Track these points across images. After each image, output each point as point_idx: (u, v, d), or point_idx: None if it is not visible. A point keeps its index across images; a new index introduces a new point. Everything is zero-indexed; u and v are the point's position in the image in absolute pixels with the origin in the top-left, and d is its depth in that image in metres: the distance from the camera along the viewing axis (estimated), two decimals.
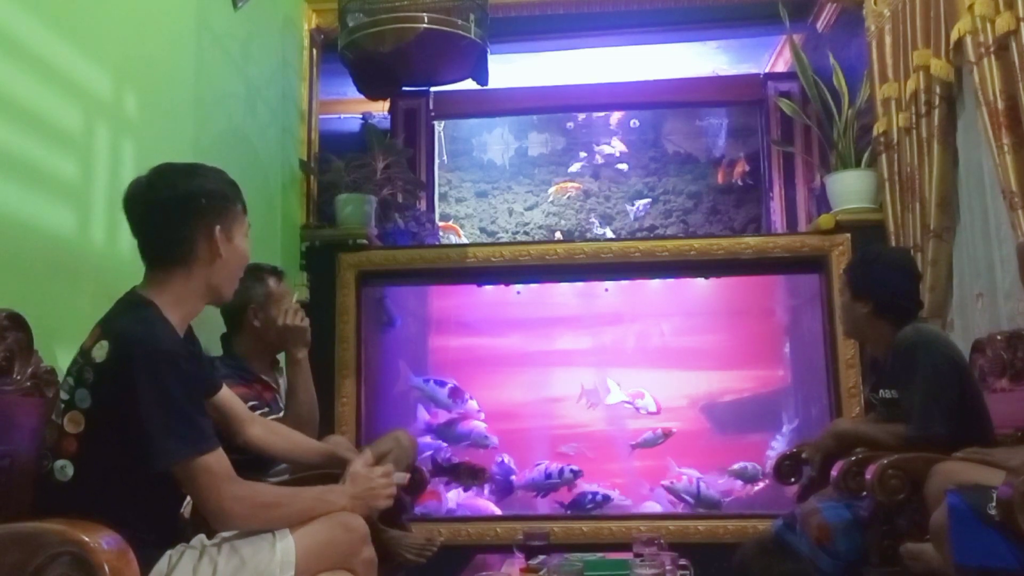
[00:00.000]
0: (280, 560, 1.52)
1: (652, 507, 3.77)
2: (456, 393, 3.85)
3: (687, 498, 3.73)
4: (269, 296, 2.35)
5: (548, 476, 3.75)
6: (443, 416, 3.89)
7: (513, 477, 3.82)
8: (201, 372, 1.70)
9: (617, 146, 4.86)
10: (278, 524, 1.55)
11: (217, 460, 1.48)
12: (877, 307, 2.35)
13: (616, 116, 4.98)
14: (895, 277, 2.37)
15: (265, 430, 1.91)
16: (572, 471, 3.75)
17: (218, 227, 1.59)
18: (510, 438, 3.97)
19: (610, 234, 4.76)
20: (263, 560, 1.50)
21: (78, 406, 1.45)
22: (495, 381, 4.13)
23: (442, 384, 3.89)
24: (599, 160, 4.89)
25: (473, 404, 3.89)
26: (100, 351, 1.45)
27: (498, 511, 3.74)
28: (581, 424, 4.13)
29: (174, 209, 1.58)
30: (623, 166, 4.88)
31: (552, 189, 4.88)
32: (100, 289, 2.03)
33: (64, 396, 1.48)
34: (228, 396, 1.84)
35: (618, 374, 4.15)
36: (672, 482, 3.79)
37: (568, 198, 4.87)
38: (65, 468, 1.44)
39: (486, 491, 3.80)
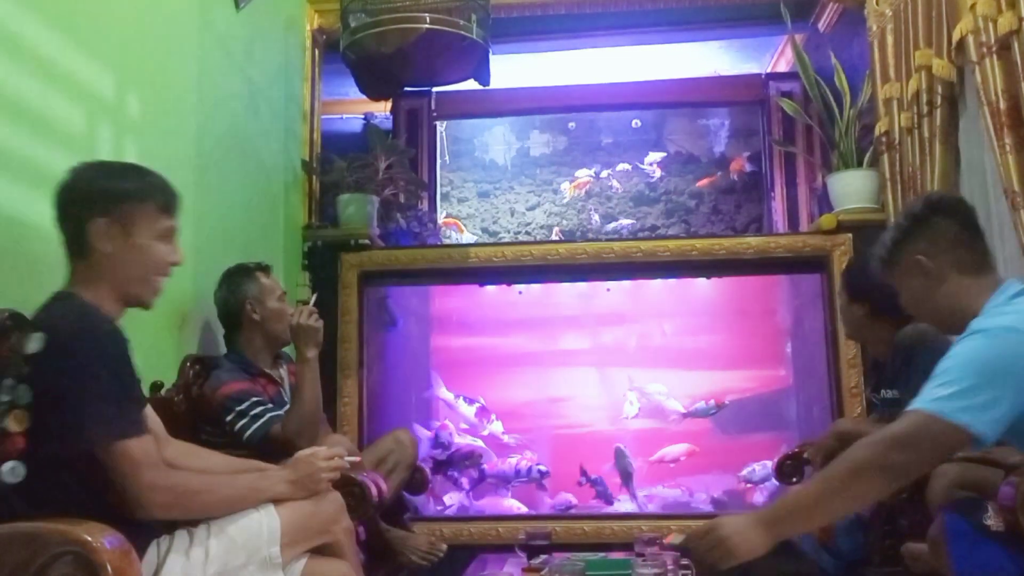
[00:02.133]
0: (267, 537, 1.55)
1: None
2: (483, 413, 3.89)
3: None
4: (262, 289, 2.42)
5: (517, 473, 3.78)
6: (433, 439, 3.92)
7: (484, 466, 3.85)
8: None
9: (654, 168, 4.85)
10: (202, 513, 1.54)
11: (139, 445, 1.46)
12: (874, 308, 2.35)
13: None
14: None
15: (178, 453, 1.81)
16: (540, 471, 3.78)
17: (103, 219, 1.55)
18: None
19: (626, 220, 4.75)
20: (251, 537, 1.54)
21: (19, 404, 1.44)
22: (497, 381, 4.13)
23: (471, 402, 3.93)
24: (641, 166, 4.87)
25: (498, 426, 3.91)
26: (34, 343, 1.44)
27: (525, 509, 3.76)
28: (582, 424, 4.13)
29: (70, 198, 1.58)
30: (626, 166, 4.87)
31: (567, 187, 4.86)
32: None
33: (5, 397, 1.44)
34: (149, 412, 1.78)
35: (618, 374, 4.15)
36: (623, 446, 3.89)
37: (571, 198, 4.86)
38: (16, 469, 1.41)
39: (463, 479, 3.85)
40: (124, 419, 1.46)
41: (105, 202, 1.57)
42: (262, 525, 1.55)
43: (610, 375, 4.18)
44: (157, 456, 1.50)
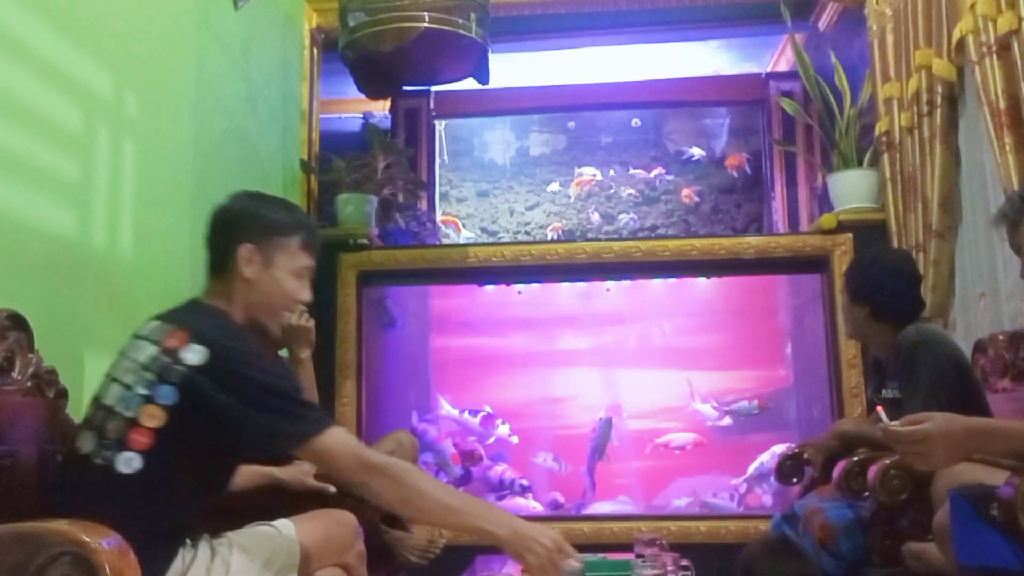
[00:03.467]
0: (286, 560, 1.56)
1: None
2: (488, 421, 3.91)
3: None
4: None
5: (500, 483, 3.77)
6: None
7: (473, 468, 3.87)
8: None
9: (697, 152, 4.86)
10: (425, 518, 1.62)
11: (329, 438, 1.50)
12: (874, 310, 2.36)
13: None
14: (891, 280, 2.37)
15: None
16: (522, 485, 3.78)
17: (251, 245, 1.65)
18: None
19: (638, 215, 4.75)
20: (271, 558, 1.55)
21: (158, 401, 1.48)
22: (496, 381, 4.13)
23: (475, 413, 3.96)
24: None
25: (504, 429, 3.92)
26: (195, 355, 1.50)
27: (539, 508, 3.78)
28: (583, 424, 4.13)
29: (222, 220, 1.70)
30: (634, 170, 4.87)
31: (571, 187, 4.85)
32: (100, 289, 2.03)
33: (142, 391, 1.49)
34: None
35: (619, 374, 4.15)
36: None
37: (575, 196, 4.85)
38: (132, 461, 1.46)
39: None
40: (303, 418, 1.51)
41: (255, 230, 1.66)
42: (282, 547, 1.57)
43: (609, 375, 4.18)
44: (353, 443, 1.53)
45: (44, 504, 1.51)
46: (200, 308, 1.64)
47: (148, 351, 1.53)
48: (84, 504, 1.38)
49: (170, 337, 1.53)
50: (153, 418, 1.48)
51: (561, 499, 3.85)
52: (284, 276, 1.69)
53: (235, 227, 1.67)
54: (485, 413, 3.93)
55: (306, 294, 1.75)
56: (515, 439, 3.95)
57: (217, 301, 1.65)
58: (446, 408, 4.01)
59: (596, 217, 4.78)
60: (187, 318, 1.58)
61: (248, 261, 1.64)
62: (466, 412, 3.97)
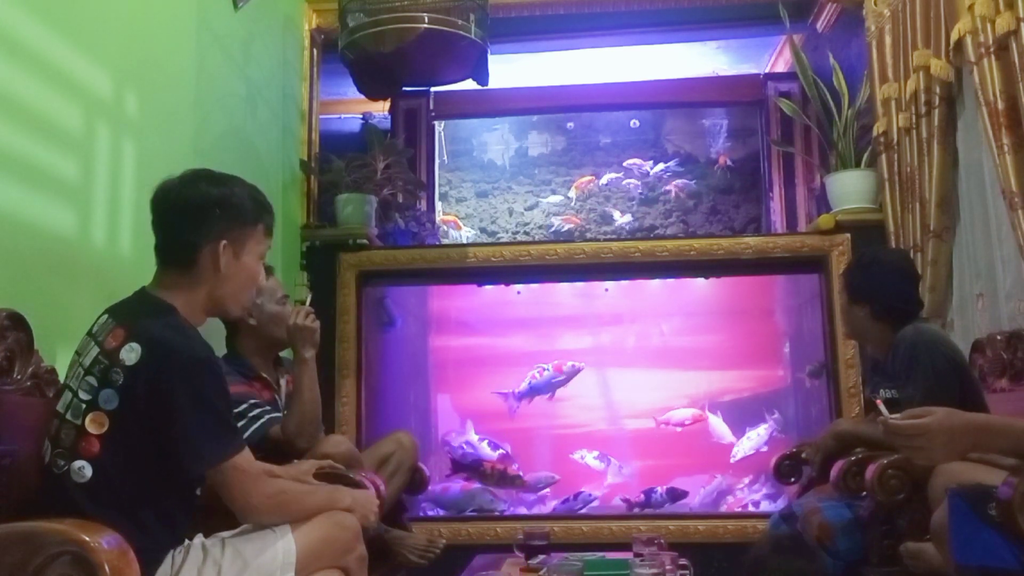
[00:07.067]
0: (281, 561, 1.55)
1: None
2: (505, 459, 3.88)
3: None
4: (260, 292, 2.37)
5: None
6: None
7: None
8: None
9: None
10: (295, 517, 1.60)
11: (244, 459, 1.53)
12: (874, 310, 2.36)
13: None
14: (892, 280, 2.38)
15: None
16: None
17: (224, 241, 1.61)
18: (511, 438, 3.98)
19: (636, 216, 4.76)
20: (265, 561, 1.53)
21: (102, 407, 1.47)
22: (495, 381, 4.13)
23: (495, 447, 3.93)
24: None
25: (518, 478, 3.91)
26: (131, 354, 1.47)
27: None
28: (581, 424, 4.14)
29: (188, 213, 1.61)
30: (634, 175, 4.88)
31: (572, 189, 4.87)
32: (100, 289, 2.03)
33: (84, 396, 1.48)
34: None
35: (618, 374, 4.15)
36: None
37: (575, 198, 4.86)
38: (83, 469, 1.45)
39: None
40: (230, 439, 1.52)
41: (228, 223, 1.62)
42: (278, 549, 1.55)
43: (608, 375, 4.18)
44: (258, 464, 1.56)
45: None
46: (147, 302, 1.59)
47: (92, 353, 1.51)
48: (55, 514, 1.37)
49: (111, 337, 1.51)
50: (98, 424, 1.46)
51: (556, 476, 3.84)
52: (251, 262, 1.67)
53: (207, 222, 1.60)
54: (503, 452, 3.89)
55: (263, 275, 1.75)
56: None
57: (167, 294, 1.59)
58: (471, 434, 3.98)
59: (606, 213, 4.79)
60: (130, 314, 1.55)
61: (222, 256, 1.60)
62: (486, 442, 3.93)
